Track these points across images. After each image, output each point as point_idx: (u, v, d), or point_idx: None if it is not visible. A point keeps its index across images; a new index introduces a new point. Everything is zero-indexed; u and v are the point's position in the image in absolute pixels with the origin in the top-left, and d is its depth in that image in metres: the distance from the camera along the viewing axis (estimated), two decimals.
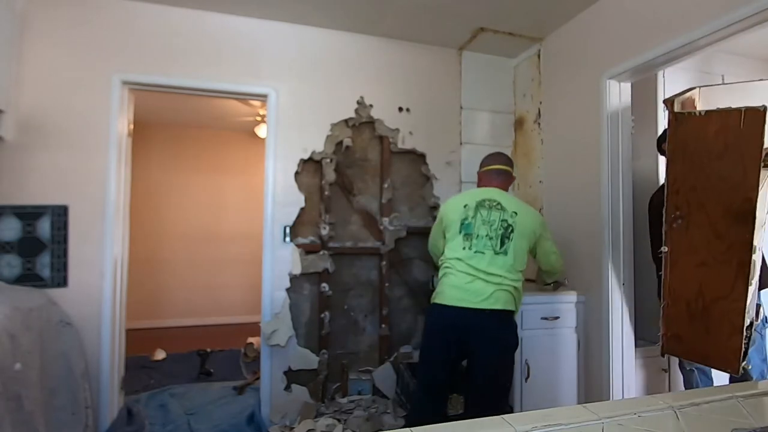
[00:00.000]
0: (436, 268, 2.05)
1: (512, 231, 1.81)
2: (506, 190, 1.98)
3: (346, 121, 2.67)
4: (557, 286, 2.33)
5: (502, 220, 1.82)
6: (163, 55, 2.39)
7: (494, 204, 1.86)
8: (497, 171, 1.99)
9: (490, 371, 1.75)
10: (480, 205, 1.86)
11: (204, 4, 2.39)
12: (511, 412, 2.20)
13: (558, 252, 1.99)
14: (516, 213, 1.84)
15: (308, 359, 2.53)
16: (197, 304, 5.07)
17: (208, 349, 3.50)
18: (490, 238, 1.80)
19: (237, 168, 5.26)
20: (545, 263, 1.99)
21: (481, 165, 2.06)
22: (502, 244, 1.80)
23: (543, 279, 2.17)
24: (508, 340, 1.79)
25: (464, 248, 1.82)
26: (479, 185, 2.03)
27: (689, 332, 1.43)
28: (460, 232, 1.85)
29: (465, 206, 1.88)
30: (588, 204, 2.31)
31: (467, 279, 1.77)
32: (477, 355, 1.76)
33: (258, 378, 2.69)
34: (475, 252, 1.80)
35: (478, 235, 1.82)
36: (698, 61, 2.58)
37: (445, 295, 1.80)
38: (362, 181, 2.71)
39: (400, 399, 2.52)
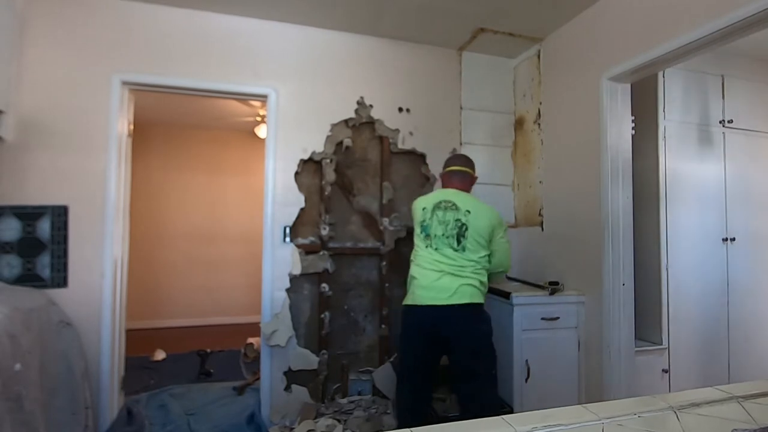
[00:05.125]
0: None
1: (466, 229, 1.93)
2: (466, 190, 2.10)
3: (346, 121, 2.67)
4: (554, 290, 2.33)
5: (456, 220, 1.94)
6: (163, 55, 2.39)
7: (449, 205, 1.98)
8: (456, 172, 2.11)
9: (469, 362, 1.84)
10: (436, 206, 1.99)
11: (204, 4, 2.39)
12: (508, 408, 2.21)
13: (506, 250, 2.03)
14: (469, 212, 1.96)
15: (308, 359, 2.53)
16: (197, 304, 5.06)
17: (208, 350, 3.50)
18: (447, 237, 1.93)
19: (237, 168, 5.26)
20: (491, 258, 2.01)
21: (444, 166, 2.19)
22: (459, 241, 1.92)
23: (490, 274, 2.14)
24: (479, 329, 1.87)
25: (426, 247, 1.96)
26: (442, 186, 2.16)
27: None
28: (421, 233, 2.00)
29: (424, 209, 2.02)
30: (588, 204, 2.31)
31: (435, 276, 1.88)
32: (454, 350, 1.87)
33: (258, 378, 2.69)
34: (435, 250, 1.93)
35: (435, 235, 1.95)
36: (698, 61, 2.58)
37: (415, 295, 1.92)
38: (362, 181, 2.71)
39: None
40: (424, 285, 1.89)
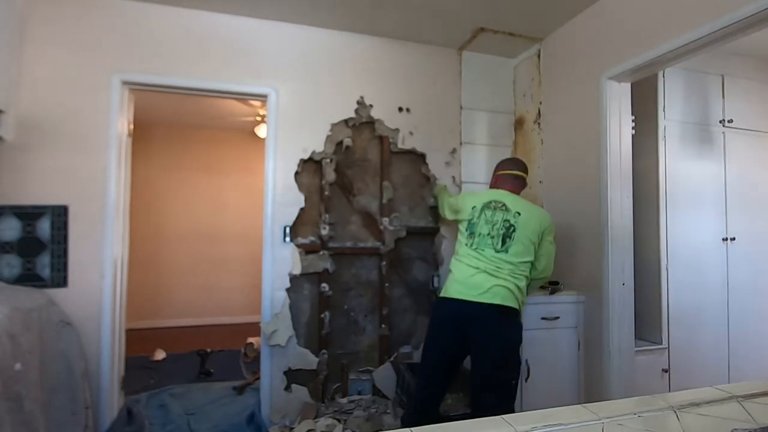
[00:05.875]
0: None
1: (514, 230, 1.89)
2: (516, 192, 2.06)
3: (346, 121, 2.67)
4: (554, 290, 2.33)
5: (505, 220, 1.91)
6: (163, 55, 2.39)
7: (499, 205, 1.96)
8: (512, 176, 2.08)
9: (490, 365, 1.78)
10: (486, 206, 1.97)
11: (205, 4, 2.39)
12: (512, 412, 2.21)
13: (552, 256, 1.99)
14: (519, 213, 1.92)
15: (308, 359, 2.53)
16: (197, 304, 5.06)
17: (208, 349, 3.50)
18: (492, 237, 1.90)
19: (237, 168, 5.26)
20: (536, 264, 1.97)
21: (498, 168, 2.16)
22: (503, 243, 1.88)
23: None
24: (508, 334, 1.80)
25: (467, 245, 1.94)
26: (492, 186, 2.14)
27: None
28: (466, 231, 1.98)
29: (473, 207, 2.00)
30: (588, 204, 2.31)
31: (470, 272, 1.86)
32: (477, 349, 1.82)
33: (258, 378, 2.69)
34: (476, 249, 1.90)
35: (480, 234, 1.92)
36: (698, 61, 2.58)
37: (448, 288, 1.90)
38: (362, 181, 2.71)
39: (400, 399, 2.52)
40: (458, 279, 1.87)
